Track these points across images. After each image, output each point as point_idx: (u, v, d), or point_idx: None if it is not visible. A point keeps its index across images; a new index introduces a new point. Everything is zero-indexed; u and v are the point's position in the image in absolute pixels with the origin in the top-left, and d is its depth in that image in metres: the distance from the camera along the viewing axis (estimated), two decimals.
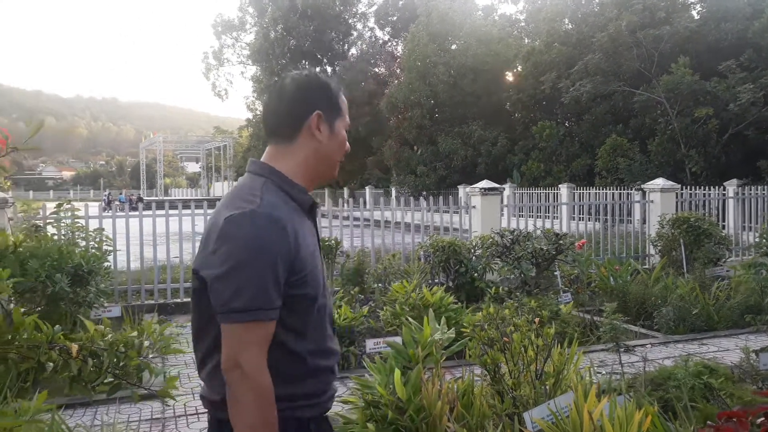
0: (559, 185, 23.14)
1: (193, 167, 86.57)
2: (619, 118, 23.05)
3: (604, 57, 19.58)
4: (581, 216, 11.83)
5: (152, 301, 7.78)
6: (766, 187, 12.76)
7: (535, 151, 25.29)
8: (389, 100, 28.96)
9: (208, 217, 1.58)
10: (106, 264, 5.59)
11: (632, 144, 21.00)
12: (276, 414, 1.42)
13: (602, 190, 20.57)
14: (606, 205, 10.29)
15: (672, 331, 6.51)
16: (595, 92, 20.27)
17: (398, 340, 5.12)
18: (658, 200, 10.29)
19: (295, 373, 1.50)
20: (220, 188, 58.11)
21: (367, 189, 34.39)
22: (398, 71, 34.97)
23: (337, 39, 42.21)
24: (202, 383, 1.58)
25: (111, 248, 6.68)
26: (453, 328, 4.01)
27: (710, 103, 18.79)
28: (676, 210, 10.54)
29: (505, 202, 9.75)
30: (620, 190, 19.52)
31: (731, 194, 13.28)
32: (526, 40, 28.08)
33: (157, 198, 52.81)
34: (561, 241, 6.48)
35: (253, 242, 1.39)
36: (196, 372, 1.61)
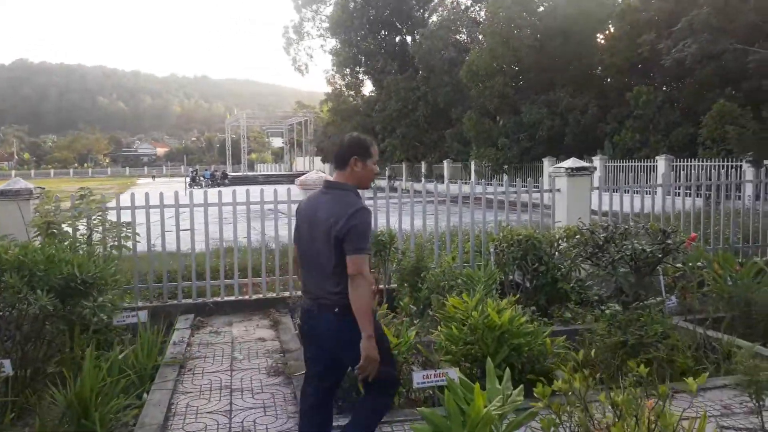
0: (656, 157, 20.98)
1: (278, 142, 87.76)
2: (729, 81, 20.42)
3: (713, 11, 17.18)
4: (678, 191, 10.09)
5: (189, 301, 7.01)
6: None
7: (629, 119, 23.02)
8: (470, 68, 27.31)
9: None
10: (113, 269, 4.76)
11: (744, 110, 18.50)
12: None
13: (707, 162, 18.36)
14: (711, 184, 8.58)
15: None
16: (701, 52, 17.91)
17: (453, 374, 4.00)
18: None
19: None
20: (302, 163, 58.24)
21: (446, 163, 33.03)
22: (480, 38, 33.09)
23: (417, 6, 40.65)
24: (327, 293, 2.98)
25: (131, 241, 5.92)
26: (521, 390, 2.83)
27: None
28: None
29: (596, 183, 8.29)
30: (728, 162, 17.32)
31: None
32: None
33: (241, 173, 53.66)
34: (669, 241, 5.09)
35: (366, 219, 2.97)
36: None
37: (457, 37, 35.55)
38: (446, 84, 32.02)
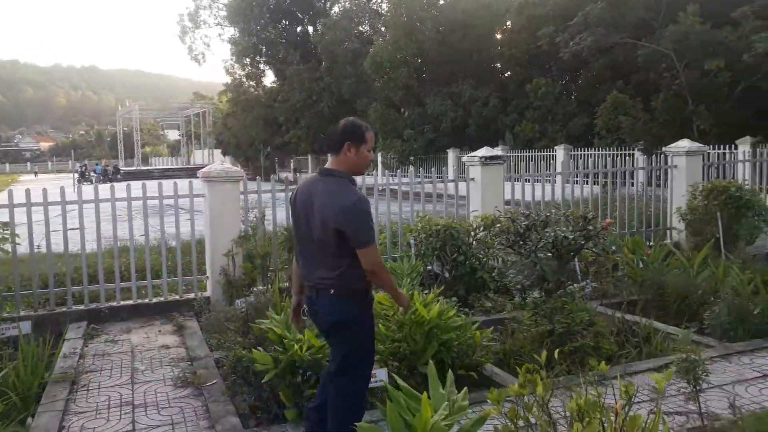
0: (555, 147, 21.75)
1: (174, 135, 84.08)
2: (620, 74, 21.44)
3: (606, 6, 17.89)
4: (577, 180, 10.34)
5: (81, 307, 6.31)
6: None
7: (529, 110, 23.72)
8: (374, 59, 27.12)
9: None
10: None
11: (635, 101, 19.49)
12: None
13: (602, 150, 19.22)
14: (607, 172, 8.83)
15: (729, 338, 5.17)
16: (597, 46, 18.64)
17: (383, 374, 3.73)
18: (683, 165, 8.87)
19: None
20: (200, 156, 56.07)
21: None
22: (383, 29, 33.03)
23: None
24: (323, 277, 3.03)
25: (9, 244, 5.23)
26: (465, 394, 2.59)
27: (722, 54, 17.25)
28: (704, 177, 9.16)
29: (519, 172, 8.31)
30: (622, 150, 18.21)
31: (741, 156, 11.74)
32: None
33: (134, 168, 50.94)
34: (590, 227, 5.06)
35: (365, 209, 2.97)
36: None
37: (360, 28, 35.29)
38: (350, 75, 31.71)
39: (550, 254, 5.17)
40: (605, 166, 9.11)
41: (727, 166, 12.10)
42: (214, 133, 50.75)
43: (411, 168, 25.28)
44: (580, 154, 19.97)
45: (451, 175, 8.02)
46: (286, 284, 5.54)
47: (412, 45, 26.50)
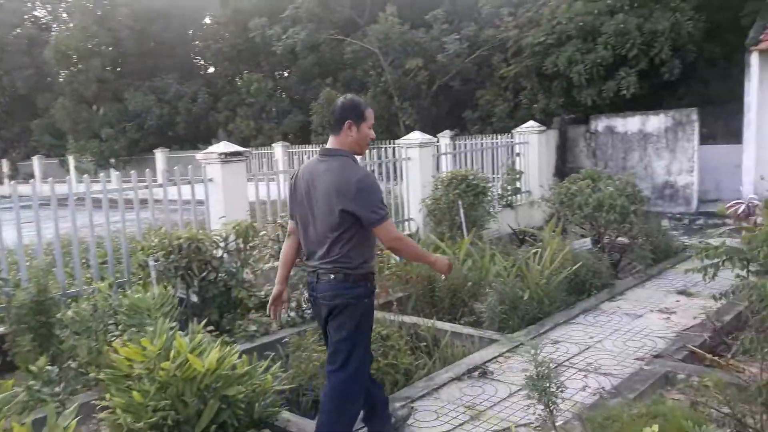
0: (273, 144, 21.29)
1: None
2: (328, 71, 21.85)
3: (316, 1, 17.90)
4: None
5: None
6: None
7: (242, 107, 22.81)
8: (57, 48, 23.34)
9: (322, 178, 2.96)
10: None
11: None
12: None
13: (318, 147, 19.36)
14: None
15: (508, 328, 5.07)
16: (309, 40, 18.57)
17: None
18: (417, 156, 8.96)
19: None
20: None
21: (36, 159, 27.94)
22: (65, 15, 28.78)
23: None
24: (325, 261, 2.93)
25: None
26: None
27: (420, 54, 18.60)
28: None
29: (252, 170, 7.36)
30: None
31: (444, 149, 12.64)
32: None
33: None
34: None
35: (373, 184, 2.91)
36: None
37: (36, 13, 30.31)
38: (27, 66, 26.93)
39: None
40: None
41: (449, 156, 12.80)
42: None
43: (115, 171, 22.48)
44: (298, 152, 19.86)
45: (160, 177, 6.69)
46: None
47: (106, 34, 23.49)
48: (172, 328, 3.28)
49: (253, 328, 5.18)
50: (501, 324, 5.08)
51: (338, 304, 2.92)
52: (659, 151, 11.44)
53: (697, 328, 4.77)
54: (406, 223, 8.99)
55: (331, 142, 3.02)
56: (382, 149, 9.52)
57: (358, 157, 3.09)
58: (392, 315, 5.21)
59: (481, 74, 18.86)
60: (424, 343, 4.74)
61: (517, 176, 10.55)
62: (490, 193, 8.01)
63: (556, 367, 4.28)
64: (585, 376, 4.10)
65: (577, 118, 13.10)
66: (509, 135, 11.67)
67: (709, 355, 4.21)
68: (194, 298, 5.46)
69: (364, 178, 2.86)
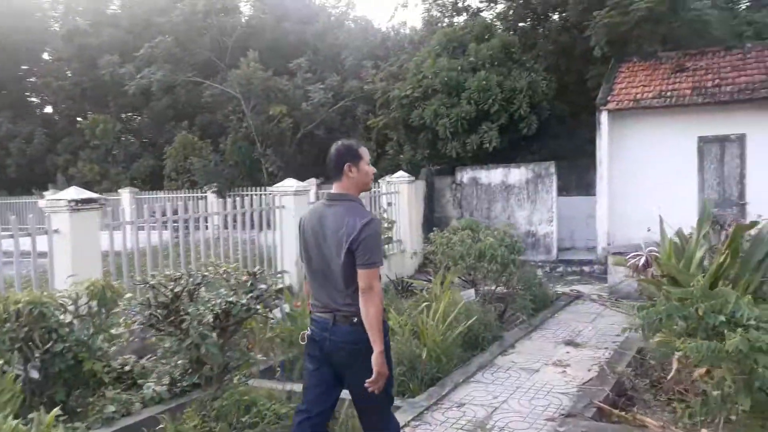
0: (120, 190, 19.66)
1: None
2: (184, 114, 20.81)
3: (174, 42, 17.00)
4: (143, 225, 8.77)
5: None
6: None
7: (86, 150, 20.96)
8: None
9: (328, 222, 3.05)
10: None
11: (204, 143, 19.09)
12: None
13: (173, 193, 18.14)
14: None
15: (408, 391, 4.67)
16: (167, 81, 17.53)
17: None
18: (291, 205, 8.47)
19: None
20: None
21: None
22: None
23: None
24: (342, 304, 2.97)
25: None
26: None
27: (283, 101, 18.27)
28: None
29: (108, 218, 6.40)
30: (194, 192, 17.51)
31: (312, 197, 12.20)
32: (70, 17, 22.85)
33: None
34: (262, 285, 3.90)
35: (377, 231, 2.98)
36: None
37: None
38: None
39: (211, 327, 3.80)
40: (176, 212, 7.74)
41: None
42: None
43: None
44: (148, 198, 18.47)
45: None
46: None
47: None
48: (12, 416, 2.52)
49: (111, 408, 4.33)
50: (400, 387, 4.69)
51: (361, 348, 2.90)
52: (521, 201, 11.92)
53: (596, 381, 4.70)
54: (280, 277, 8.41)
55: (336, 188, 3.12)
56: (245, 197, 8.86)
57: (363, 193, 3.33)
58: (278, 384, 4.65)
59: (345, 124, 18.91)
60: None
61: (390, 225, 10.42)
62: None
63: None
64: None
65: (443, 170, 13.37)
66: (377, 185, 11.57)
67: (616, 411, 4.10)
68: (35, 374, 4.51)
69: (369, 223, 2.94)
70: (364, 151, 3.13)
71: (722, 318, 2.60)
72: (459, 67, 12.79)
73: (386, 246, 10.19)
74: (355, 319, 2.91)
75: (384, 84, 15.08)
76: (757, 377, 2.39)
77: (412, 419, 4.14)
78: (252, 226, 8.47)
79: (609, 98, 11.11)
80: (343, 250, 2.89)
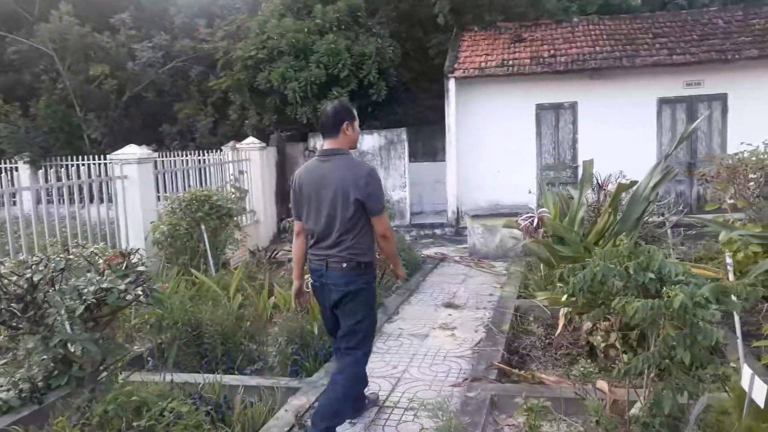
0: None
1: None
2: None
3: None
4: None
5: None
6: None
7: None
8: None
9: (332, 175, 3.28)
10: None
11: (13, 106, 16.69)
12: None
13: None
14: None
15: (303, 370, 4.37)
16: None
17: None
18: (135, 176, 7.60)
19: None
20: None
21: None
22: None
23: None
24: (342, 250, 3.23)
25: None
26: None
27: (104, 60, 16.47)
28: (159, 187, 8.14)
29: None
30: (2, 164, 15.29)
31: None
32: None
33: None
34: (141, 268, 3.34)
35: (378, 179, 3.30)
36: None
37: None
38: None
39: (78, 320, 3.18)
40: None
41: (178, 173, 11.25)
42: None
43: None
44: None
45: None
46: None
47: None
48: None
49: None
50: (294, 366, 4.39)
51: (351, 290, 3.24)
52: (375, 167, 11.91)
53: (487, 342, 4.76)
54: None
55: (330, 144, 3.33)
56: (62, 167, 7.69)
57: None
58: (151, 374, 4.13)
59: (177, 86, 17.57)
60: (210, 407, 3.77)
61: (242, 195, 9.84)
62: (236, 216, 7.17)
63: (378, 410, 3.79)
64: (415, 415, 3.68)
65: (293, 136, 12.93)
66: (219, 151, 10.85)
67: (516, 371, 4.18)
68: None
69: (371, 172, 3.26)
70: (355, 114, 3.42)
71: (651, 275, 2.66)
72: (306, 29, 12.33)
73: (240, 217, 9.63)
74: (345, 264, 3.21)
75: (225, 44, 14.13)
76: (699, 331, 2.46)
77: (316, 400, 3.86)
78: (72, 201, 7.39)
79: (456, 66, 11.38)
80: (350, 201, 3.15)
